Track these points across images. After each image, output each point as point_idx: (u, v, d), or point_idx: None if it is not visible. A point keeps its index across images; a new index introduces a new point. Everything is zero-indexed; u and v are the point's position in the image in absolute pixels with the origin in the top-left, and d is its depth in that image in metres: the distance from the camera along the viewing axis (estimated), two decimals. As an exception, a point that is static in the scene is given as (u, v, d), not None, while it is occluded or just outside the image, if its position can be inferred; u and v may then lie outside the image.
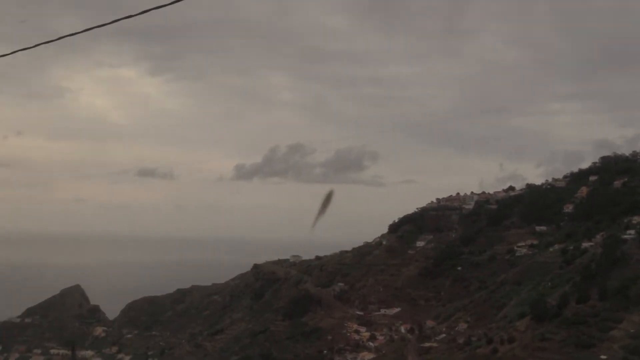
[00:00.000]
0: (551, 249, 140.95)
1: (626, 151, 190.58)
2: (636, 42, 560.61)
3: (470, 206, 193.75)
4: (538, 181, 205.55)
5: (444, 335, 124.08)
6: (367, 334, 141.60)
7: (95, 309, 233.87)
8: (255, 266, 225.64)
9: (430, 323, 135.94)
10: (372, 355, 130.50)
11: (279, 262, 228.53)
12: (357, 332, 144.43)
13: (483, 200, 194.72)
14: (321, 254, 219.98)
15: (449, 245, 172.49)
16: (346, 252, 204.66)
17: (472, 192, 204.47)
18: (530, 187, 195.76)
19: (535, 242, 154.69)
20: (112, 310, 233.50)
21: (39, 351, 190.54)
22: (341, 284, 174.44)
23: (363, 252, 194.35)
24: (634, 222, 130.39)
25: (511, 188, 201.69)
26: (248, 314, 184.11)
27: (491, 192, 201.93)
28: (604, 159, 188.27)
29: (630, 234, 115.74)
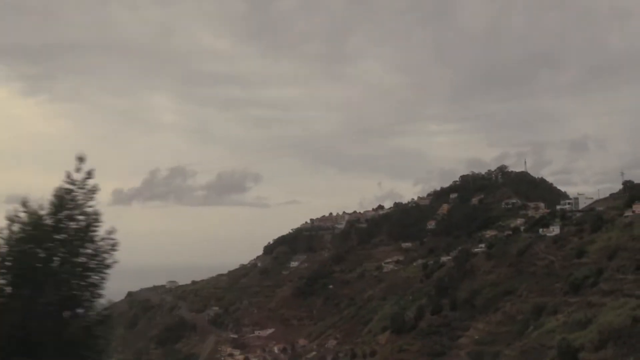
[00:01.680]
0: (414, 264, 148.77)
1: (494, 168, 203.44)
2: (505, 67, 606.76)
3: (342, 225, 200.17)
4: (417, 199, 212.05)
5: (314, 352, 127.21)
6: (242, 357, 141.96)
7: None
8: (129, 294, 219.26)
9: (302, 342, 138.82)
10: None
11: (155, 289, 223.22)
12: (231, 355, 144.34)
13: (354, 220, 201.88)
14: (199, 279, 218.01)
15: (321, 264, 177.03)
16: (222, 275, 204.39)
17: (344, 212, 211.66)
18: (397, 206, 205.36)
19: (401, 257, 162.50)
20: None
21: None
22: (215, 308, 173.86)
23: (238, 275, 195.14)
24: (487, 235, 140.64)
25: (380, 207, 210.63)
26: (121, 344, 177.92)
27: (362, 211, 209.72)
28: (463, 177, 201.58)
29: (481, 247, 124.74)
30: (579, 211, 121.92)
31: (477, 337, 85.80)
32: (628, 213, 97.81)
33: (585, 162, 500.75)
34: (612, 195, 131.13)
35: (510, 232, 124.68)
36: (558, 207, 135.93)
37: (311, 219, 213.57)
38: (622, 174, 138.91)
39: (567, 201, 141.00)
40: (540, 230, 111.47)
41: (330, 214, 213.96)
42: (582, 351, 54.31)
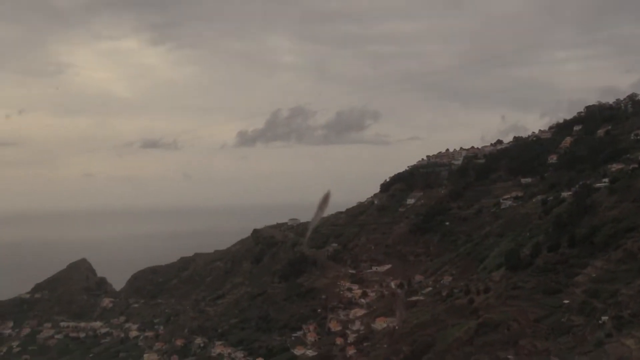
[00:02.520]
0: (534, 200, 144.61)
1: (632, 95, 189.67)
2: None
3: (459, 162, 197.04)
4: (538, 132, 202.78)
5: (430, 288, 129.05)
6: (359, 291, 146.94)
7: (102, 281, 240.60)
8: (255, 231, 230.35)
9: (418, 277, 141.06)
10: (363, 312, 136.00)
11: (278, 226, 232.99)
12: (349, 290, 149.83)
13: (471, 155, 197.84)
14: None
15: (437, 201, 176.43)
16: (341, 213, 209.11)
17: (461, 148, 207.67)
18: (517, 140, 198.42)
19: (520, 194, 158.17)
20: (118, 281, 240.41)
21: (49, 325, 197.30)
22: (335, 245, 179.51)
23: (356, 212, 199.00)
24: (613, 169, 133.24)
25: (499, 142, 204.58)
26: (248, 277, 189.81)
27: (480, 146, 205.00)
28: (588, 108, 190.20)
29: (604, 181, 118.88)
30: None
31: (594, 275, 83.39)
32: None
33: None
34: None
35: (636, 166, 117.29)
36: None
37: (427, 156, 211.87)
38: None
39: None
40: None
41: (447, 150, 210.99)
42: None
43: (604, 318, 67.89)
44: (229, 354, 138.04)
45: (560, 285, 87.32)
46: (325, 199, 10.04)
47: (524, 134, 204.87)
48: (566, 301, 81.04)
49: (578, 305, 77.43)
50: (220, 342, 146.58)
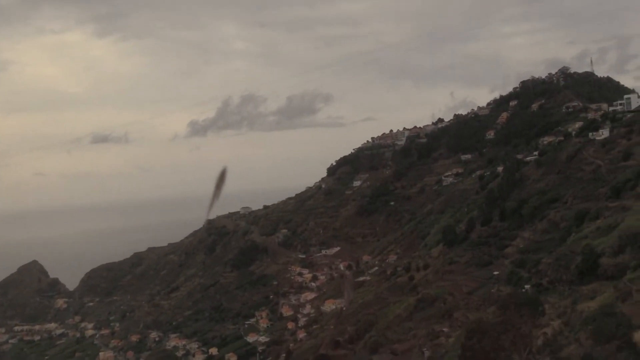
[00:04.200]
0: (473, 176, 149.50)
1: (576, 67, 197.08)
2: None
3: (402, 142, 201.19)
4: (477, 109, 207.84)
5: (376, 268, 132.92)
6: (310, 275, 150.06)
7: (55, 282, 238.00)
8: (208, 222, 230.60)
9: (366, 258, 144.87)
10: (313, 295, 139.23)
11: (230, 215, 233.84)
12: (300, 274, 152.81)
13: (414, 135, 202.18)
14: (271, 203, 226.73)
15: (382, 182, 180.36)
16: (290, 198, 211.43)
17: (404, 128, 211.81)
18: (457, 118, 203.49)
19: (460, 170, 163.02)
20: (72, 280, 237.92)
21: (2, 330, 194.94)
22: (284, 231, 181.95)
23: (304, 197, 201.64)
24: (545, 142, 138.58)
25: (440, 120, 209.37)
26: (201, 269, 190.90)
27: (421, 126, 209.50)
28: (523, 83, 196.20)
29: (534, 155, 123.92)
30: (631, 112, 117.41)
31: (522, 245, 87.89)
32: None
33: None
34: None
35: (562, 138, 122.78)
36: (610, 108, 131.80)
37: (372, 138, 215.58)
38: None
39: (619, 102, 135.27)
40: (590, 134, 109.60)
41: (391, 130, 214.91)
42: (603, 256, 56.02)
43: (527, 286, 72.02)
44: (184, 345, 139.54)
45: (491, 257, 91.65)
46: (222, 177, 10.91)
47: (473, 109, 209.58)
48: (496, 272, 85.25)
49: (506, 276, 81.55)
50: (175, 335, 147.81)
